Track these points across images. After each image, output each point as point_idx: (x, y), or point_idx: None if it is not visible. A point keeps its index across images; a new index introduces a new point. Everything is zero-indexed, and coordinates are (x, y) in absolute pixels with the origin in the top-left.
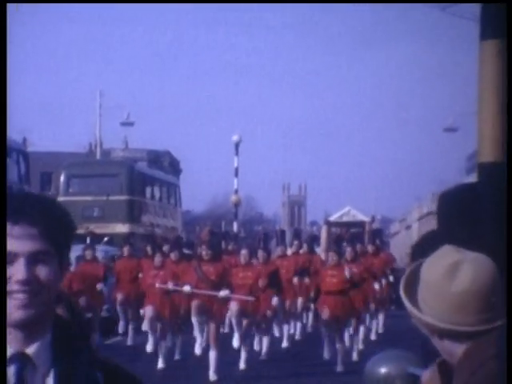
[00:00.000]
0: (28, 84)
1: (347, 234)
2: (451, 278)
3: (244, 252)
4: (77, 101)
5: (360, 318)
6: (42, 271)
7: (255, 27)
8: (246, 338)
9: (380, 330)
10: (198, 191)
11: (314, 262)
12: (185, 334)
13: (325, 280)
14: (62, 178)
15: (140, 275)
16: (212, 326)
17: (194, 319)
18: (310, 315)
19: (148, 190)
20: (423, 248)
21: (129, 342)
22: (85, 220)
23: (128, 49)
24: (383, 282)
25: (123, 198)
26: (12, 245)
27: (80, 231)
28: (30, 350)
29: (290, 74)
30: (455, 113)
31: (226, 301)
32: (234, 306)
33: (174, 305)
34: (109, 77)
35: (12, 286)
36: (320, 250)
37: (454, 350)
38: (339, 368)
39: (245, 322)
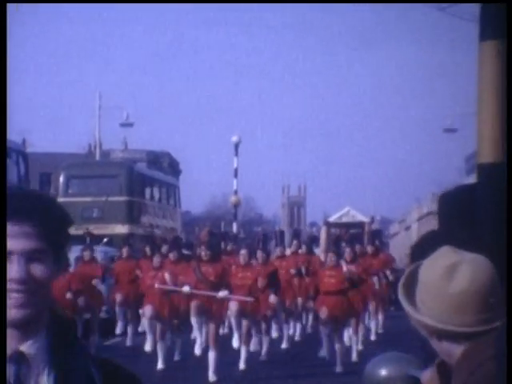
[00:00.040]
0: (28, 84)
1: (346, 235)
2: (449, 278)
3: (243, 252)
4: (76, 101)
5: (359, 318)
6: (38, 270)
7: (255, 27)
8: (246, 339)
9: (380, 331)
10: (198, 192)
11: (313, 263)
12: (184, 335)
13: (323, 280)
14: (61, 179)
15: (138, 272)
16: (211, 327)
17: (193, 319)
18: (310, 316)
19: (147, 191)
20: (423, 248)
21: (128, 342)
22: (84, 221)
23: (128, 49)
24: (382, 282)
25: (123, 198)
26: (7, 243)
27: (79, 232)
28: (26, 348)
29: (290, 74)
30: (455, 113)
31: (225, 301)
32: (233, 306)
33: (173, 305)
34: (108, 77)
35: (7, 285)
36: (319, 251)
37: (453, 351)
38: (338, 369)
39: (244, 323)
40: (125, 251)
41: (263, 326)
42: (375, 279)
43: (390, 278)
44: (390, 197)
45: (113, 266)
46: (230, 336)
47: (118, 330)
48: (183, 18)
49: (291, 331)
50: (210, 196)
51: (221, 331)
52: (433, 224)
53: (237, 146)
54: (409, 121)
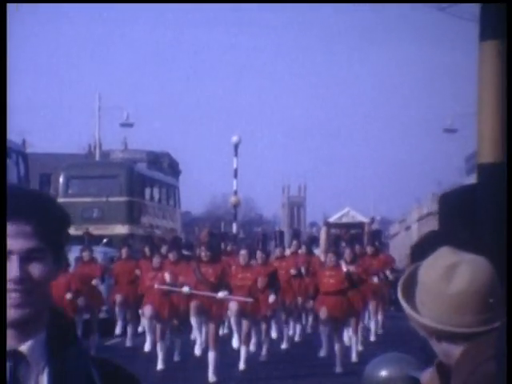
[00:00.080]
0: (28, 84)
1: (346, 235)
2: (448, 279)
3: (243, 252)
4: (76, 102)
5: (359, 318)
6: (36, 269)
7: (255, 27)
8: (246, 339)
9: (379, 331)
10: (198, 192)
11: (313, 263)
12: (184, 335)
13: (323, 281)
14: (61, 180)
15: (138, 271)
16: (211, 327)
17: (193, 319)
18: (310, 316)
19: (147, 192)
20: (423, 248)
21: (128, 343)
22: (84, 221)
23: (128, 49)
24: (382, 282)
25: (122, 199)
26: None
27: (79, 232)
28: (24, 347)
29: (290, 73)
30: (455, 113)
31: (224, 302)
32: (233, 306)
33: (172, 305)
34: (108, 77)
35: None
36: (319, 251)
37: (452, 352)
38: (338, 369)
39: (244, 323)
40: (124, 252)
41: (263, 326)
42: (375, 279)
43: (390, 277)
44: (390, 197)
45: (112, 267)
46: (230, 336)
47: (118, 331)
48: (183, 18)
49: (291, 332)
50: (210, 196)
51: (221, 332)
52: (433, 224)
53: (237, 146)
54: (409, 121)
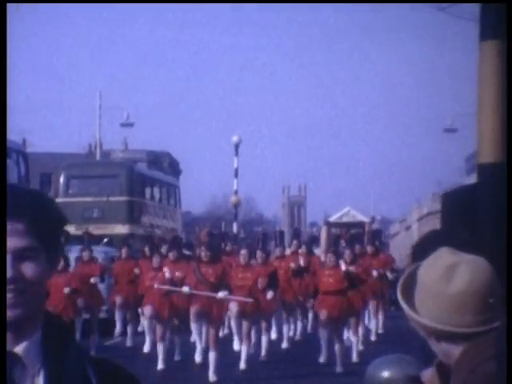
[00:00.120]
0: (28, 84)
1: (347, 235)
2: (448, 279)
3: (244, 252)
4: (76, 102)
5: (359, 318)
6: (29, 268)
7: (255, 27)
8: (247, 339)
9: (380, 331)
10: (198, 192)
11: (313, 263)
12: (184, 335)
13: (322, 280)
14: (61, 179)
15: (137, 270)
16: (211, 329)
17: (193, 325)
18: (310, 316)
19: (148, 191)
20: (424, 248)
21: (128, 343)
22: (84, 221)
23: (127, 49)
24: (382, 281)
25: (123, 198)
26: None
27: (79, 232)
28: (19, 349)
29: (290, 73)
30: (455, 113)
31: (224, 302)
32: (233, 308)
33: (172, 305)
34: (108, 77)
35: None
36: (320, 251)
37: (451, 352)
38: (339, 369)
39: (245, 323)
40: (124, 252)
41: (263, 325)
42: (375, 272)
43: (390, 277)
44: (390, 197)
45: (112, 267)
46: (230, 337)
47: (117, 333)
48: (183, 18)
49: (291, 331)
50: (211, 196)
51: (221, 332)
52: (433, 224)
53: (237, 146)
54: (409, 121)
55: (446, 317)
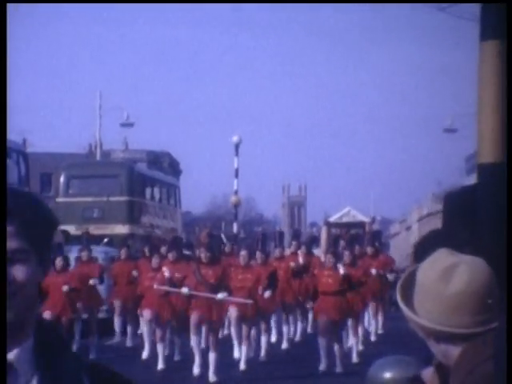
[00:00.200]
0: (28, 84)
1: (347, 235)
2: (446, 280)
3: (243, 253)
4: (76, 102)
5: (358, 318)
6: (19, 271)
7: (255, 27)
8: (247, 340)
9: (380, 331)
10: (198, 192)
11: (313, 264)
12: (184, 335)
13: (321, 280)
14: (61, 179)
15: (135, 272)
16: (212, 332)
17: (192, 338)
18: (310, 316)
19: (148, 191)
20: (425, 247)
21: (128, 343)
22: (84, 221)
23: (127, 49)
24: (382, 282)
25: (123, 198)
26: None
27: (79, 232)
28: (11, 355)
29: (290, 74)
30: (455, 113)
31: (224, 304)
32: (233, 313)
33: (172, 306)
34: (108, 77)
35: None
36: (320, 251)
37: (450, 352)
38: (338, 369)
39: (245, 324)
40: (123, 252)
41: (262, 326)
42: (373, 271)
43: (390, 278)
44: (390, 197)
45: (111, 267)
46: (230, 337)
47: (116, 339)
48: (183, 18)
49: (291, 332)
50: (211, 196)
51: (220, 334)
52: (433, 224)
53: (237, 146)
54: (409, 121)
55: (445, 318)
